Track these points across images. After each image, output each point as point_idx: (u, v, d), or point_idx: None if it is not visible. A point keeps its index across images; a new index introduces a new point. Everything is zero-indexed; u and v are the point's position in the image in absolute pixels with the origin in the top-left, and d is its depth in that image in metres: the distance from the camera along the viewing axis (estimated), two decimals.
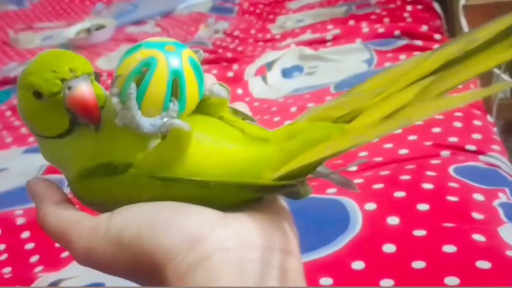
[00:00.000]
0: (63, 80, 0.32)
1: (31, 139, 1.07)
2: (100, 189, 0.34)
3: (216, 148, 0.34)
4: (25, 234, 0.77)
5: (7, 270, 0.71)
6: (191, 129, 0.32)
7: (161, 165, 0.33)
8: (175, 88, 0.33)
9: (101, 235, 0.32)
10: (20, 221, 0.79)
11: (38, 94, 0.33)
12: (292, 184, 0.33)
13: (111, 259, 0.32)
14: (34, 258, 0.72)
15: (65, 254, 0.71)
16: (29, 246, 0.74)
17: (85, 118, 0.33)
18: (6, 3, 1.83)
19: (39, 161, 0.96)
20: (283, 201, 0.36)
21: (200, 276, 0.30)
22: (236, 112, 0.37)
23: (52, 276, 0.68)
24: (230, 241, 0.31)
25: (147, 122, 0.33)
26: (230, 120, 0.36)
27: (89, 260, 0.33)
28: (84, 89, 0.32)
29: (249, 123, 0.37)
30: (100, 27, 1.53)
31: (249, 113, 0.38)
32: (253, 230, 0.32)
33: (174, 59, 0.33)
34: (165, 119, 0.33)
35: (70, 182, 0.35)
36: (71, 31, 1.54)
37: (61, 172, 0.36)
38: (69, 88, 0.32)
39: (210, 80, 0.37)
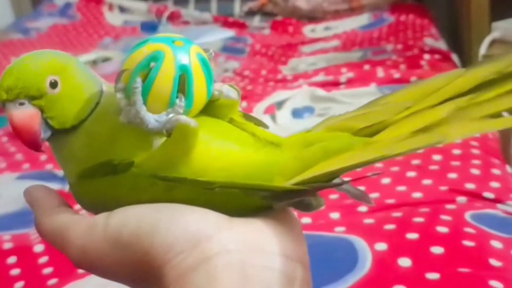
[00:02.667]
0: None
1: (26, 165, 1.07)
2: (99, 189, 0.33)
3: (224, 150, 0.33)
4: (12, 260, 0.75)
5: None
6: (198, 126, 0.32)
7: (164, 165, 0.32)
8: (182, 84, 0.33)
9: (98, 233, 0.32)
10: (7, 245, 0.78)
11: None
12: (305, 192, 0.32)
13: (108, 258, 0.31)
14: (19, 285, 0.71)
15: (52, 281, 0.69)
16: (15, 272, 0.73)
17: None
18: (12, 32, 1.86)
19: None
20: (293, 213, 0.35)
21: (201, 278, 0.29)
22: (248, 117, 0.37)
23: None
24: (234, 243, 0.30)
25: (152, 118, 0.32)
26: (240, 123, 0.36)
27: (85, 260, 0.32)
28: (14, 117, 0.32)
29: (261, 129, 0.36)
30: (106, 60, 1.56)
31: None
32: (260, 234, 0.31)
33: (182, 54, 0.33)
34: (170, 115, 0.32)
35: (70, 184, 0.35)
36: None
37: (64, 172, 0.36)
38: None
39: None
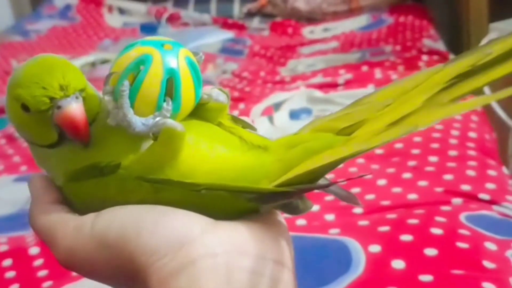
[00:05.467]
0: (52, 98, 0.32)
1: (23, 167, 1.07)
2: (87, 192, 0.34)
3: (211, 154, 0.33)
4: (7, 262, 0.75)
5: None
6: (184, 130, 0.32)
7: (151, 168, 0.33)
8: (170, 88, 0.33)
9: (85, 234, 0.32)
10: (2, 248, 0.78)
11: (25, 107, 0.33)
12: (290, 194, 0.32)
13: (93, 259, 0.32)
14: (14, 287, 0.71)
15: (46, 284, 0.69)
16: (10, 274, 0.73)
17: (73, 138, 0.33)
18: (11, 34, 1.86)
19: (28, 190, 0.96)
20: (280, 217, 0.35)
21: (184, 282, 0.29)
22: (236, 120, 0.37)
23: None
24: (219, 246, 0.30)
25: (138, 121, 0.33)
26: (228, 127, 0.36)
27: (71, 260, 0.32)
28: (74, 111, 0.32)
29: (249, 131, 0.36)
30: (105, 62, 1.56)
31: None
32: (245, 237, 0.31)
33: (170, 57, 0.33)
34: (157, 119, 0.33)
35: (59, 187, 0.35)
36: (75, 64, 1.56)
37: (51, 177, 0.36)
38: (58, 107, 0.32)
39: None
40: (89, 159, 0.33)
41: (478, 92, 0.32)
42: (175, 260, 0.29)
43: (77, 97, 0.33)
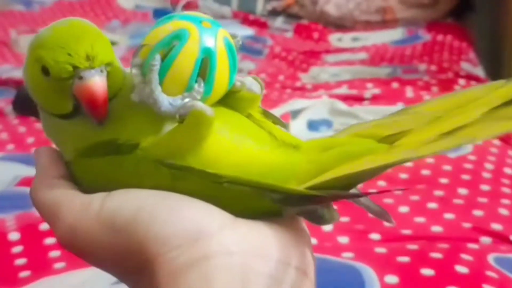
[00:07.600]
0: (75, 67, 0.32)
1: (10, 146, 1.07)
2: (98, 170, 0.33)
3: (238, 145, 0.33)
4: None
5: None
6: (214, 115, 0.31)
7: (172, 153, 0.32)
8: (204, 69, 0.33)
9: (92, 213, 0.31)
10: None
11: (45, 71, 0.32)
12: (320, 198, 0.32)
13: (98, 242, 0.31)
14: None
15: (23, 274, 0.69)
16: None
17: (89, 114, 0.33)
18: (13, 2, 1.87)
19: (13, 171, 0.96)
20: (304, 224, 0.35)
21: (195, 278, 0.29)
22: (267, 114, 0.37)
23: None
24: (236, 245, 0.30)
25: (166, 100, 0.32)
26: (258, 120, 0.36)
27: (73, 240, 0.32)
28: (96, 85, 0.32)
29: (280, 128, 0.36)
30: (111, 44, 1.56)
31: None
32: (266, 239, 0.31)
33: (208, 36, 0.33)
34: (186, 100, 0.32)
35: (68, 163, 0.35)
36: None
37: (60, 150, 0.36)
38: (80, 77, 0.32)
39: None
40: (105, 135, 0.33)
41: None
42: (188, 253, 0.29)
43: (102, 71, 0.32)
